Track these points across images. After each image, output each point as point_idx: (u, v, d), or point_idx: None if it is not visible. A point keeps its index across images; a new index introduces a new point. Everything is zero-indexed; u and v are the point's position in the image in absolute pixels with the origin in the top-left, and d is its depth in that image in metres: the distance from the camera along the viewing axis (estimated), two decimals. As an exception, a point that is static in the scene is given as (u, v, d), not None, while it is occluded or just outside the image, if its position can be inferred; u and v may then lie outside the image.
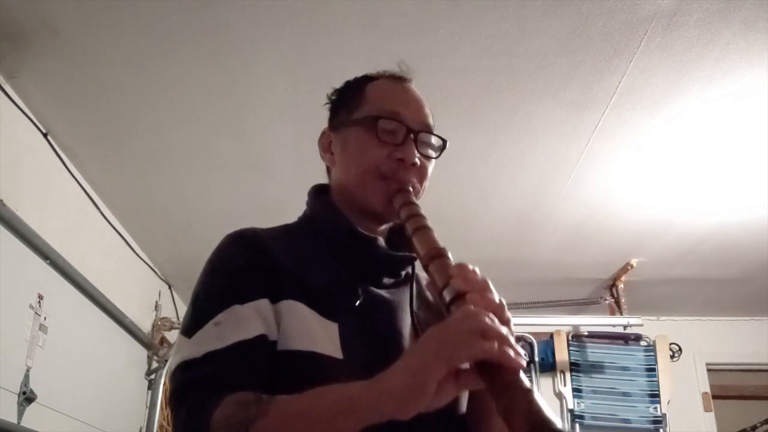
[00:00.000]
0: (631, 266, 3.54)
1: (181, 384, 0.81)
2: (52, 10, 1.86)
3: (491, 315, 0.67)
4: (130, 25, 1.92)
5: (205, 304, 0.86)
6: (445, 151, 1.01)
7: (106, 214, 2.92)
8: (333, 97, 1.06)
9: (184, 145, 2.52)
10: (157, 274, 3.57)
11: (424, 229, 0.86)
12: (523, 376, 0.63)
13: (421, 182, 0.97)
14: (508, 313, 0.72)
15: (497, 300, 0.72)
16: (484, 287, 0.72)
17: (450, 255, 0.80)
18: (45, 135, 2.39)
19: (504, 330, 0.65)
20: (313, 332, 0.85)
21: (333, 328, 0.86)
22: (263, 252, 0.90)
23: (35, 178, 2.36)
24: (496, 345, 0.63)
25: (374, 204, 0.95)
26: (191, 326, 0.85)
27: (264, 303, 0.85)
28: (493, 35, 1.96)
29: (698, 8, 1.85)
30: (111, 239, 3.02)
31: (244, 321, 0.83)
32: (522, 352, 0.65)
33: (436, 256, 0.80)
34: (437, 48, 2.00)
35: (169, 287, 3.75)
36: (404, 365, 0.67)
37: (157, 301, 3.58)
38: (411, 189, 0.94)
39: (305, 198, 1.07)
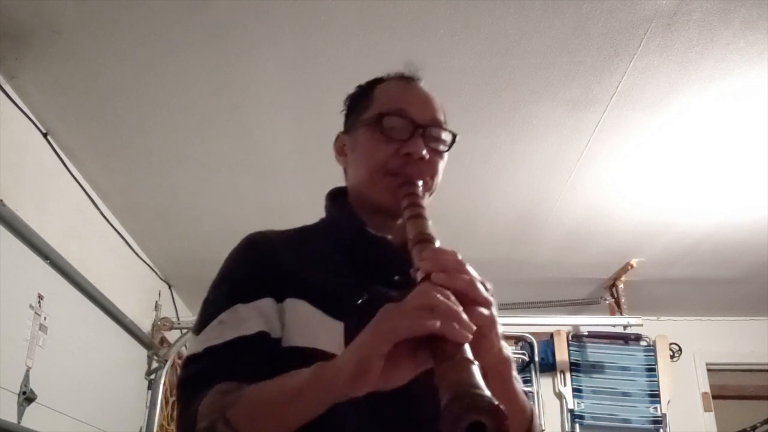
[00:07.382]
0: (631, 266, 3.54)
1: (182, 378, 0.87)
2: (53, 11, 1.86)
3: (447, 292, 0.66)
4: (131, 25, 1.92)
5: (212, 305, 0.91)
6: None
7: (106, 214, 2.92)
8: (347, 102, 1.08)
9: (184, 145, 2.52)
10: (157, 274, 3.57)
11: (418, 217, 0.87)
12: (467, 349, 0.62)
13: (432, 177, 0.98)
14: (486, 294, 0.71)
15: (468, 280, 0.71)
16: (454, 268, 0.71)
17: (437, 242, 0.80)
18: (45, 135, 2.39)
19: (455, 307, 0.65)
20: (316, 330, 0.87)
21: (338, 326, 0.87)
22: (269, 254, 0.93)
23: (35, 178, 2.36)
24: (439, 319, 0.62)
25: (383, 200, 0.96)
26: (199, 325, 0.90)
27: (267, 302, 0.89)
28: (493, 35, 1.96)
29: (698, 8, 1.85)
30: (111, 239, 3.02)
31: (246, 319, 0.87)
32: (473, 327, 0.64)
33: (420, 241, 0.81)
34: (437, 48, 2.00)
35: (169, 287, 3.75)
36: (353, 343, 0.67)
37: (157, 301, 3.58)
38: (419, 183, 0.94)
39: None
